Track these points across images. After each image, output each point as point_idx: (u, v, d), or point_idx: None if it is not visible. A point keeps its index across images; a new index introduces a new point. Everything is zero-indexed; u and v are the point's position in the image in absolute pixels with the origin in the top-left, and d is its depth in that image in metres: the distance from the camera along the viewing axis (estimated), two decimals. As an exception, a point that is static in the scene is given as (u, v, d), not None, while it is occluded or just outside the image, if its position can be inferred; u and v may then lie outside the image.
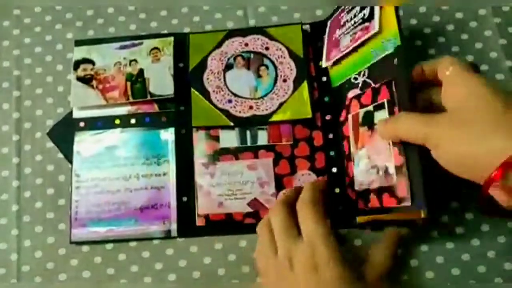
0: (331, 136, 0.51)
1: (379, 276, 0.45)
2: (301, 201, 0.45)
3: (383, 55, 0.46)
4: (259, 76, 0.53)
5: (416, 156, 0.41)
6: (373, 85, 0.47)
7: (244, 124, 0.52)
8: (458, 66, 0.40)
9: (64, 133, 0.54)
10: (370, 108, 0.46)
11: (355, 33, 0.48)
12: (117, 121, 0.53)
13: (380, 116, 0.45)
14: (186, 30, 0.57)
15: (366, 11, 0.48)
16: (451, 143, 0.37)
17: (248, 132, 0.52)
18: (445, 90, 0.40)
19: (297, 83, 0.53)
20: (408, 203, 0.41)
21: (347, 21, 0.50)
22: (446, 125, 0.38)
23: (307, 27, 0.55)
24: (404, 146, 0.42)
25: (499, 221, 0.49)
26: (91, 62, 0.55)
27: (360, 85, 0.48)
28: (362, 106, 0.47)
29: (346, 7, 0.51)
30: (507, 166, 0.33)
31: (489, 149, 0.35)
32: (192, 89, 0.53)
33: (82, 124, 0.53)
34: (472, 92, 0.38)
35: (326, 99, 0.53)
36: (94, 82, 0.54)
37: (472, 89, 0.38)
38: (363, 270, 0.44)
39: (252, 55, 0.54)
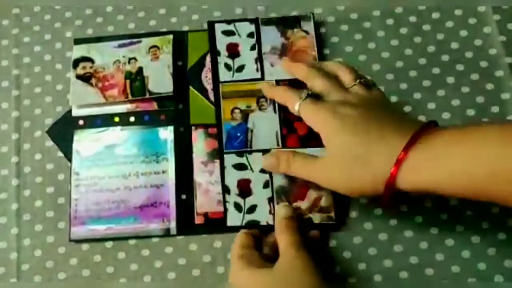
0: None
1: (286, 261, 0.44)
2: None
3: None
4: (257, 73, 0.54)
5: None
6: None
7: (243, 121, 0.52)
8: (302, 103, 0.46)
9: (63, 131, 0.54)
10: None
11: None
12: (116, 119, 0.53)
13: None
14: (185, 28, 0.57)
15: None
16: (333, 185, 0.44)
17: (247, 130, 0.52)
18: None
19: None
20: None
21: None
22: (323, 171, 0.44)
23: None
24: None
25: (499, 218, 0.49)
26: (91, 60, 0.55)
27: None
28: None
29: None
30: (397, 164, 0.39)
31: (368, 169, 0.41)
32: (191, 87, 0.53)
33: (81, 122, 0.53)
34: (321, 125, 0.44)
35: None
36: (93, 80, 0.54)
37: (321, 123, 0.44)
38: None
39: (250, 53, 0.55)
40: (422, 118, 0.52)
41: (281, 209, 0.48)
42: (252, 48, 0.54)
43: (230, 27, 0.55)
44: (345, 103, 0.44)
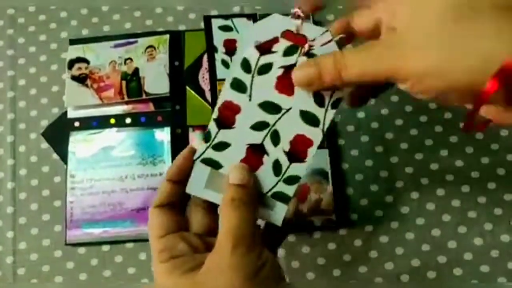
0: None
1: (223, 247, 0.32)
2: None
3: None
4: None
5: None
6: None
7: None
8: None
9: (59, 133, 0.53)
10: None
11: None
12: (112, 121, 0.53)
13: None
14: (182, 28, 0.56)
15: None
16: (424, 66, 0.29)
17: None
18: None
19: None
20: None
21: None
22: (408, 47, 0.29)
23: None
24: None
25: (503, 219, 0.48)
26: (86, 61, 0.54)
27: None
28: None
29: None
30: (504, 72, 0.26)
31: (476, 56, 0.27)
32: (187, 88, 0.53)
33: (77, 124, 0.53)
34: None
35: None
36: (88, 81, 0.53)
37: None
38: None
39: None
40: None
41: (233, 171, 0.34)
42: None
43: (228, 22, 0.54)
44: None
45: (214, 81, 0.52)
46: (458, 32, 0.28)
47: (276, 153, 0.34)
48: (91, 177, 0.51)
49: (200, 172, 0.35)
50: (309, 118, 0.34)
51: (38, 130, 0.53)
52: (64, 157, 0.52)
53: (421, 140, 0.51)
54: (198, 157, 0.35)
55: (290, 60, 0.34)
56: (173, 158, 0.51)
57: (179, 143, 0.52)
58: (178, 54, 0.54)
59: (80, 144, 0.52)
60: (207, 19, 0.55)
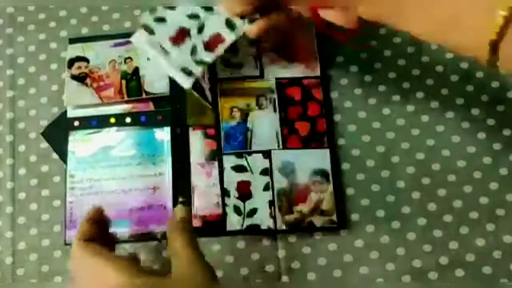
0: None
1: (178, 259, 0.39)
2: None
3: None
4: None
5: None
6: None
7: (242, 122, 0.51)
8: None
9: (58, 133, 0.53)
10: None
11: None
12: (112, 120, 0.52)
13: None
14: (182, 26, 0.56)
15: None
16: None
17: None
18: None
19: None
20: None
21: None
22: None
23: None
24: None
25: (505, 220, 0.48)
26: (86, 60, 0.54)
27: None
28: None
29: None
30: None
31: None
32: (188, 87, 0.52)
33: (76, 123, 0.52)
34: None
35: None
36: (88, 81, 0.53)
37: None
38: None
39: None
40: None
41: (179, 210, 0.43)
42: (251, 44, 0.53)
43: None
44: None
45: (214, 80, 0.52)
46: None
47: (197, 39, 0.46)
48: (90, 177, 0.51)
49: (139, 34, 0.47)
50: (230, 24, 0.46)
51: (37, 129, 0.53)
52: (63, 157, 0.52)
53: (422, 140, 0.51)
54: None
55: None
56: (173, 157, 0.51)
57: (179, 142, 0.51)
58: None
59: (80, 143, 0.52)
60: None
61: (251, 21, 0.45)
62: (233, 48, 0.52)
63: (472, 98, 0.52)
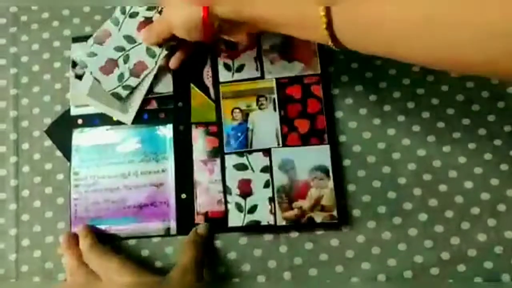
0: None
1: (181, 272, 0.46)
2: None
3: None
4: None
5: None
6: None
7: (244, 119, 0.52)
8: None
9: (62, 130, 0.53)
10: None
11: None
12: (115, 118, 0.53)
13: None
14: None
15: None
16: None
17: (247, 128, 0.51)
18: None
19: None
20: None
21: None
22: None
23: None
24: None
25: (506, 215, 0.48)
26: (89, 59, 0.54)
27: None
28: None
29: None
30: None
31: None
32: (192, 85, 0.53)
33: (80, 121, 0.53)
34: None
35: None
36: (92, 80, 0.53)
37: None
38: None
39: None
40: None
41: (202, 227, 0.49)
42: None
43: None
44: None
45: (217, 83, 0.52)
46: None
47: (124, 68, 0.52)
48: (94, 174, 0.51)
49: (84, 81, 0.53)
50: (150, 52, 0.52)
51: (41, 127, 0.54)
52: (67, 154, 0.52)
53: (423, 137, 0.51)
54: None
55: (150, 13, 0.53)
56: (175, 154, 0.51)
57: (182, 139, 0.52)
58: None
59: (83, 141, 0.52)
60: None
61: (168, 48, 0.52)
62: (235, 51, 0.53)
63: (472, 94, 0.52)
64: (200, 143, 0.52)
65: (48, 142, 0.53)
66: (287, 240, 0.49)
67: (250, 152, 0.50)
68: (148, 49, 0.52)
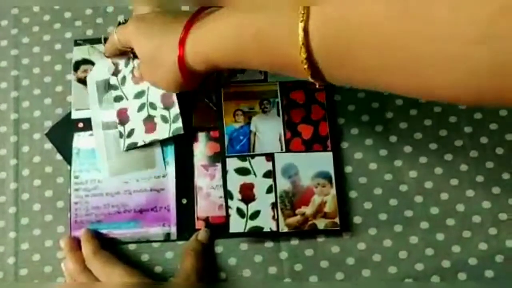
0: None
1: (185, 276, 0.46)
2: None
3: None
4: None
5: None
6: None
7: (245, 124, 0.51)
8: None
9: (62, 134, 0.53)
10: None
11: None
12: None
13: None
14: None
15: None
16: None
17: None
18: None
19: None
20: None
21: None
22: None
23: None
24: None
25: (507, 224, 0.48)
26: (91, 63, 0.54)
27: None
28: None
29: None
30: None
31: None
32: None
33: (81, 125, 0.52)
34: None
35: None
36: (93, 83, 0.53)
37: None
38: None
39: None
40: (428, 121, 0.51)
41: (202, 233, 0.49)
42: None
43: None
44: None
45: (219, 79, 0.52)
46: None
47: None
48: (95, 178, 0.51)
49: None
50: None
51: (41, 130, 0.53)
52: (67, 158, 0.52)
53: (425, 144, 0.51)
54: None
55: (130, 67, 0.52)
56: (176, 159, 0.51)
57: (183, 144, 0.51)
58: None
59: (84, 145, 0.52)
60: None
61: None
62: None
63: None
64: (201, 148, 0.51)
65: (48, 145, 0.53)
66: (287, 246, 0.49)
67: (253, 156, 0.50)
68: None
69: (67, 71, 0.54)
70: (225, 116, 0.51)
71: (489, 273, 0.47)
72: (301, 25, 0.30)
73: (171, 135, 0.50)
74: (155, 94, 0.51)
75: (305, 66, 0.32)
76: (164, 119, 0.50)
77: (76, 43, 0.55)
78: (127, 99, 0.51)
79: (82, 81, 0.53)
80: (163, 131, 0.50)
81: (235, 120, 0.51)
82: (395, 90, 0.30)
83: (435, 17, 0.24)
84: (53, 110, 0.54)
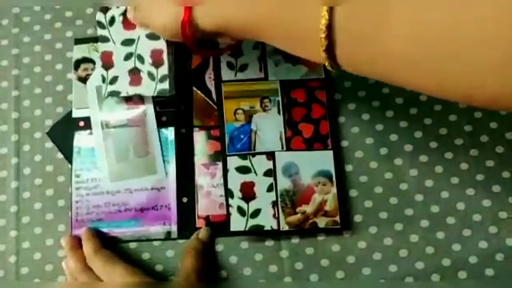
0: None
1: (185, 275, 0.46)
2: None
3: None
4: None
5: None
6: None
7: (246, 123, 0.51)
8: None
9: (63, 132, 0.53)
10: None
11: None
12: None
13: None
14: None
15: None
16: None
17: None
18: None
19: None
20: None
21: None
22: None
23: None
24: None
25: (507, 223, 0.48)
26: (92, 61, 0.54)
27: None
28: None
29: None
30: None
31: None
32: (194, 88, 0.53)
33: (81, 123, 0.53)
34: None
35: (330, 98, 0.52)
36: (94, 82, 0.53)
37: None
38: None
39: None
40: (428, 120, 0.51)
41: (203, 232, 0.49)
42: (255, 47, 0.53)
43: None
44: None
45: (219, 82, 0.52)
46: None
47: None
48: (95, 176, 0.51)
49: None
50: (153, 36, 0.48)
51: (42, 129, 0.53)
52: (68, 157, 0.52)
53: (425, 142, 0.51)
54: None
55: (121, 9, 0.49)
56: (177, 158, 0.51)
57: (183, 143, 0.52)
58: (184, 54, 0.54)
59: (85, 143, 0.52)
60: None
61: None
62: (238, 50, 0.53)
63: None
64: (201, 146, 0.51)
65: (49, 144, 0.53)
66: (288, 245, 0.49)
67: (254, 154, 0.50)
68: (149, 36, 0.48)
69: (68, 70, 0.55)
70: (225, 114, 0.51)
71: (489, 272, 0.47)
72: (325, 8, 0.30)
73: (155, 94, 0.48)
74: (144, 47, 0.48)
75: (323, 36, 0.30)
76: (151, 76, 0.49)
77: (77, 42, 0.55)
78: (114, 42, 0.49)
79: (83, 80, 0.53)
80: (148, 88, 0.48)
81: (236, 119, 0.51)
82: (409, 86, 0.30)
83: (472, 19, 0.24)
84: (53, 109, 0.54)
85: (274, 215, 0.48)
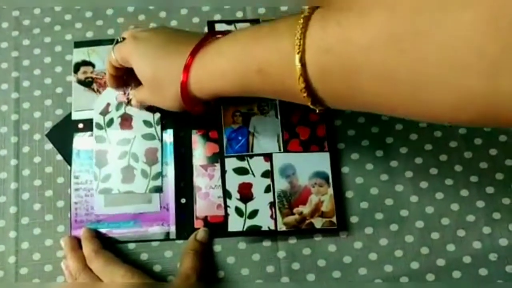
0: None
1: (185, 276, 0.46)
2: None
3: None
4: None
5: None
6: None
7: (244, 125, 0.52)
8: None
9: (63, 134, 0.53)
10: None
11: None
12: (116, 123, 0.53)
13: None
14: (186, 31, 0.57)
15: None
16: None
17: (247, 134, 0.52)
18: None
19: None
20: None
21: None
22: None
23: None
24: None
25: (501, 223, 0.49)
26: (91, 64, 0.54)
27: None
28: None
29: None
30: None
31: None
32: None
33: (81, 125, 0.53)
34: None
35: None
36: (94, 86, 0.54)
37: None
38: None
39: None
40: (423, 122, 0.52)
41: (201, 232, 0.50)
42: None
43: (231, 27, 0.55)
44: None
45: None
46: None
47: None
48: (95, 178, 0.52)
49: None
50: (148, 136, 0.51)
51: (42, 131, 0.54)
52: (68, 158, 0.52)
53: (420, 145, 0.52)
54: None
55: (120, 111, 0.52)
56: (175, 160, 0.52)
57: (182, 145, 0.52)
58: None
59: (84, 145, 0.52)
60: (211, 24, 0.55)
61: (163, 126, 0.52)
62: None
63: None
64: (200, 148, 0.52)
65: (48, 146, 0.53)
66: (285, 245, 0.50)
67: (251, 156, 0.51)
68: (144, 136, 0.52)
69: (67, 72, 0.55)
70: (223, 117, 0.52)
71: (483, 271, 0.48)
72: (297, 56, 0.31)
73: (147, 192, 0.51)
74: (140, 146, 0.52)
75: (304, 95, 0.33)
76: (144, 174, 0.51)
77: (76, 45, 0.55)
78: (109, 142, 0.52)
79: (82, 83, 0.54)
80: (140, 185, 0.51)
81: (234, 121, 0.52)
82: (396, 114, 0.32)
83: (437, 45, 0.25)
84: (53, 111, 0.54)
85: (271, 216, 0.49)
